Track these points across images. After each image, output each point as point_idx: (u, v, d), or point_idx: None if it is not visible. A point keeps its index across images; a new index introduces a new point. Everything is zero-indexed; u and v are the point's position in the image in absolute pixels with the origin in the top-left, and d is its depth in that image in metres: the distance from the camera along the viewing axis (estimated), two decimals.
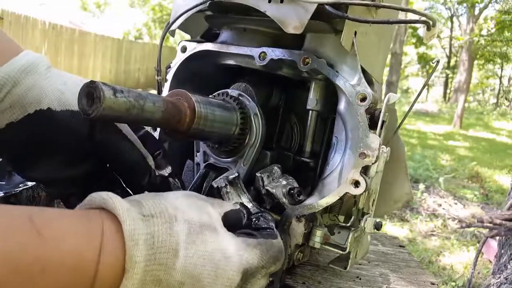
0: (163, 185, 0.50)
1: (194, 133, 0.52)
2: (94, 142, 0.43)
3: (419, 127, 10.05)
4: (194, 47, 0.65)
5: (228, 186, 0.46)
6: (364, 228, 0.59)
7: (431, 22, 0.52)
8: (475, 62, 14.18)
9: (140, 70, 12.09)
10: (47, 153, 0.42)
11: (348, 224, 0.59)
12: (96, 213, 0.34)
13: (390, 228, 3.30)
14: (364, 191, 0.53)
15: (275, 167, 0.62)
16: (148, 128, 0.69)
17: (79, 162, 0.44)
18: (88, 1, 19.29)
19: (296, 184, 0.60)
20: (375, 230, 0.59)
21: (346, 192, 0.53)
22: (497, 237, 1.25)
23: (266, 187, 0.59)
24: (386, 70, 9.83)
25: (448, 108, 16.03)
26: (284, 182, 0.59)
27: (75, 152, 0.43)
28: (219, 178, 0.47)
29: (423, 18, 0.52)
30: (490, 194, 4.42)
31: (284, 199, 0.57)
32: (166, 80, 0.68)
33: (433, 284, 0.70)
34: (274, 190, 0.58)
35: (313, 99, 0.62)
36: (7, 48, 0.42)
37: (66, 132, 0.42)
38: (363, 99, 0.53)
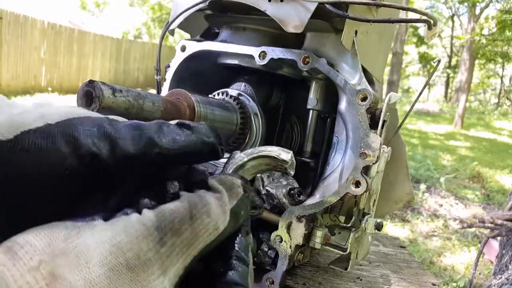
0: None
1: None
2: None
3: (420, 127, 10.04)
4: (193, 46, 0.65)
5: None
6: (365, 228, 0.58)
7: (432, 21, 0.52)
8: (476, 61, 14.16)
9: (139, 69, 12.11)
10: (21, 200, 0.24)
11: (349, 225, 0.59)
12: None
13: (391, 228, 3.29)
14: (365, 191, 0.52)
15: None
16: None
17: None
18: (87, 0, 19.31)
19: (296, 184, 0.59)
20: (376, 230, 0.58)
21: (347, 192, 0.53)
22: (499, 238, 1.25)
23: (266, 187, 0.58)
24: (387, 70, 9.83)
25: (449, 107, 16.02)
26: (284, 182, 0.59)
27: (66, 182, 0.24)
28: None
29: (424, 17, 0.52)
30: (492, 194, 4.42)
31: (284, 199, 0.57)
32: (165, 80, 0.68)
33: (434, 285, 0.70)
34: (274, 190, 0.58)
35: (313, 99, 0.61)
36: None
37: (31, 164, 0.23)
38: (364, 98, 0.53)
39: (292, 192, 0.57)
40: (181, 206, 0.24)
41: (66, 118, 0.25)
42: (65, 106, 0.27)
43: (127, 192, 0.27)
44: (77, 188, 0.25)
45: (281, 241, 0.56)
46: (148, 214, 0.22)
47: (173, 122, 0.28)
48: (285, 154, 0.34)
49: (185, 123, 0.28)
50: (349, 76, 0.55)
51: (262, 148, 0.34)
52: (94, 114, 0.26)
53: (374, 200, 0.63)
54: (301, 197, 0.57)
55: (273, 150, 0.34)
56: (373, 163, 0.52)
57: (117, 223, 0.21)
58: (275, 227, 0.57)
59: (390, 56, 8.85)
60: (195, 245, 0.23)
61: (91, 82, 0.40)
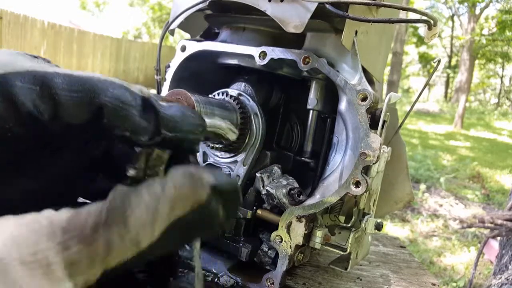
0: None
1: None
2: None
3: (420, 127, 10.04)
4: (193, 46, 0.65)
5: None
6: (365, 228, 0.58)
7: (432, 22, 0.51)
8: (476, 61, 14.17)
9: (139, 69, 12.11)
10: None
11: (349, 225, 0.59)
12: None
13: (391, 228, 3.29)
14: (365, 191, 0.52)
15: (275, 167, 0.61)
16: None
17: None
18: (87, 0, 19.29)
19: (296, 185, 0.59)
20: (376, 230, 0.58)
21: (347, 192, 0.53)
22: (498, 238, 1.25)
23: (266, 187, 0.58)
24: (387, 70, 9.83)
25: (449, 108, 16.02)
26: (284, 182, 0.59)
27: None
28: None
29: (424, 18, 0.51)
30: (492, 194, 4.42)
31: (284, 199, 0.57)
32: (165, 80, 0.68)
33: (434, 285, 0.70)
34: (274, 191, 0.58)
35: (313, 99, 0.61)
36: None
37: None
38: (364, 98, 0.53)
39: (292, 192, 0.57)
40: (99, 210, 0.20)
41: (5, 72, 0.21)
42: (7, 53, 0.23)
43: (76, 151, 0.24)
44: (14, 147, 0.22)
45: (281, 241, 0.56)
46: (62, 213, 0.20)
47: (139, 92, 0.24)
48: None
49: (152, 106, 0.24)
50: (349, 76, 0.55)
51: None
52: (41, 68, 0.22)
53: (374, 200, 0.63)
54: (301, 197, 0.57)
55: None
56: (373, 163, 0.52)
57: (25, 217, 0.19)
58: (275, 227, 0.57)
59: (390, 56, 8.85)
60: (108, 260, 0.19)
61: None
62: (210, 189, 0.21)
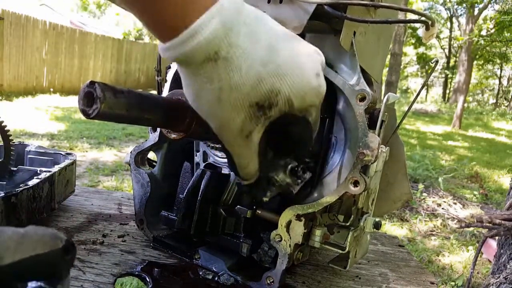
0: None
1: (194, 133, 0.52)
2: None
3: (419, 127, 10.06)
4: None
5: None
6: (364, 227, 0.59)
7: (430, 22, 0.52)
8: (475, 62, 14.21)
9: (140, 70, 12.12)
10: None
11: (348, 224, 0.59)
12: None
13: (390, 227, 3.30)
14: (363, 190, 0.53)
15: None
16: (148, 128, 0.69)
17: None
18: (89, 1, 19.27)
19: (296, 163, 0.55)
20: (375, 229, 0.59)
21: (346, 192, 0.53)
22: (497, 237, 1.26)
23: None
24: (386, 70, 9.84)
25: (447, 108, 16.05)
26: (281, 163, 0.55)
27: None
28: None
29: (422, 18, 0.52)
30: (490, 194, 4.43)
31: (288, 179, 0.54)
32: (166, 81, 0.69)
33: (433, 283, 0.70)
34: (273, 174, 0.53)
35: None
36: None
37: None
38: (362, 99, 0.53)
39: (296, 169, 0.54)
40: None
41: None
42: None
43: None
44: None
45: (280, 240, 0.56)
46: None
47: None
48: None
49: None
50: (348, 76, 0.55)
51: None
52: None
53: (373, 200, 0.63)
54: (306, 175, 0.56)
55: None
56: (372, 163, 0.53)
57: None
58: (275, 226, 0.57)
59: (388, 57, 8.87)
60: None
61: (92, 83, 0.41)
62: None
